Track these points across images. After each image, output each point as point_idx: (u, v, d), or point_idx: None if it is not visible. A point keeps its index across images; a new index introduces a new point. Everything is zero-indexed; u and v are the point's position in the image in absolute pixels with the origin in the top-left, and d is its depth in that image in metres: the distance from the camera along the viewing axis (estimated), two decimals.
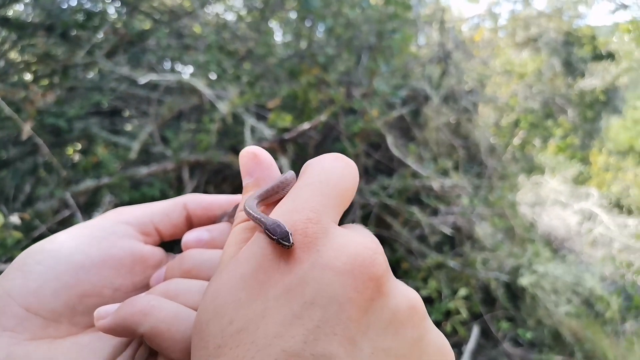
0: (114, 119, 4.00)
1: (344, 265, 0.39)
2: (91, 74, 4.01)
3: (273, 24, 4.49)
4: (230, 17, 4.63)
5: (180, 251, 0.60)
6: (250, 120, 3.37)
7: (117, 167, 3.41)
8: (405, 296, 0.41)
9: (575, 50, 8.05)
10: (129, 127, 4.01)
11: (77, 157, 3.74)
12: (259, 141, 3.42)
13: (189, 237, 0.58)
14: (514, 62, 6.29)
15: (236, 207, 0.60)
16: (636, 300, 4.62)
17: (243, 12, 4.58)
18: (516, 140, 5.72)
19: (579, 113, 8.56)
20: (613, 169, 7.48)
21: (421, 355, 0.40)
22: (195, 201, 0.62)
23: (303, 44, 4.08)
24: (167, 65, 4.11)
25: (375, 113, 3.76)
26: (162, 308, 0.47)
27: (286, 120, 3.23)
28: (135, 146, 3.57)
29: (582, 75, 8.34)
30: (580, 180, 7.02)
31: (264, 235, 0.43)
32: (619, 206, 6.69)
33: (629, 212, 6.60)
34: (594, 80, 8.25)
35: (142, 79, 3.18)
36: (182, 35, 4.21)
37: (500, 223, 4.30)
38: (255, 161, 0.52)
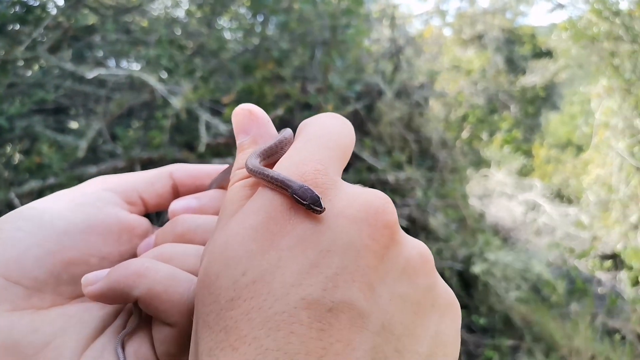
0: (59, 117, 3.82)
1: (357, 213, 0.39)
2: (32, 70, 3.81)
3: (224, 20, 4.43)
4: (179, 13, 4.53)
5: (164, 223, 0.57)
6: (204, 116, 3.31)
7: (64, 167, 3.26)
8: (415, 246, 0.41)
9: (517, 48, 8.40)
10: (75, 125, 3.84)
11: (18, 157, 3.55)
12: (215, 137, 3.37)
13: (176, 205, 0.56)
14: (461, 59, 6.48)
15: (224, 172, 0.58)
16: (578, 284, 4.87)
17: (193, 8, 4.49)
18: (465, 134, 5.91)
19: (520, 108, 8.94)
20: (554, 161, 7.85)
21: (433, 303, 0.40)
22: (181, 170, 0.60)
23: (255, 40, 4.05)
24: (114, 61, 3.96)
25: (330, 108, 3.78)
26: (158, 269, 0.45)
27: None
28: (83, 144, 3.43)
29: (523, 72, 8.71)
30: (524, 172, 7.33)
31: (270, 190, 0.42)
32: (560, 196, 7.04)
33: (569, 201, 6.96)
34: (534, 77, 8.64)
35: (90, 74, 3.06)
36: (129, 31, 4.08)
37: (452, 214, 4.44)
38: (251, 118, 0.51)
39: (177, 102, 3.20)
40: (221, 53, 3.92)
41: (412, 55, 4.41)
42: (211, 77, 3.52)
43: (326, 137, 0.45)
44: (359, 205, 0.40)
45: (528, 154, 7.98)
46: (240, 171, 0.48)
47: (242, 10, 4.44)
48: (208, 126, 3.27)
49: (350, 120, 0.52)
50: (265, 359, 0.32)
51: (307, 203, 0.38)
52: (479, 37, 7.17)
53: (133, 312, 0.49)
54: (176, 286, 0.45)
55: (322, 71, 3.83)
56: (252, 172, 0.45)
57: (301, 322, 0.33)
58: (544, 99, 9.19)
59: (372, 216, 0.39)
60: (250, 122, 0.50)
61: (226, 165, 0.59)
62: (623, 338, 4.34)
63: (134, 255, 0.54)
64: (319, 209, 0.38)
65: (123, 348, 0.46)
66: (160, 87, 3.20)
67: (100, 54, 3.81)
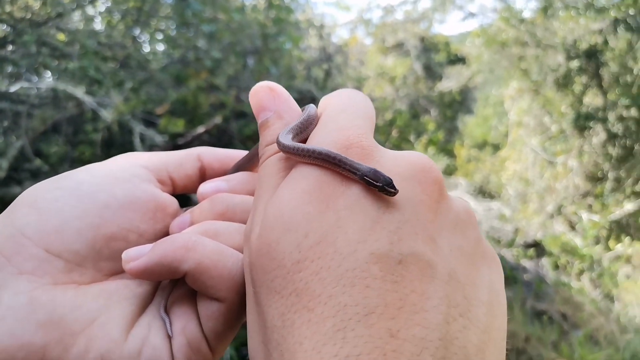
0: None
1: (407, 172, 0.40)
2: None
3: (149, 31, 4.32)
4: (98, 25, 4.36)
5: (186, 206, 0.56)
6: (138, 128, 3.20)
7: None
8: (459, 201, 0.43)
9: (434, 56, 8.84)
10: None
11: None
12: (150, 148, 3.25)
13: (206, 187, 0.55)
14: (384, 66, 6.72)
15: (247, 156, 0.58)
16: (508, 272, 5.18)
17: (114, 20, 4.34)
18: (394, 136, 6.11)
19: (440, 112, 9.40)
20: (474, 160, 8.32)
21: (483, 255, 0.41)
22: (209, 153, 0.58)
23: (182, 50, 3.98)
24: (35, 76, 3.73)
25: None
26: (205, 244, 0.44)
27: (179, 125, 3.12)
28: (4, 164, 3.20)
29: (440, 78, 9.17)
30: (448, 171, 7.70)
31: (310, 166, 0.41)
32: (482, 192, 7.46)
33: (491, 196, 7.39)
34: (450, 82, 9.11)
35: (12, 88, 2.86)
36: (47, 43, 3.86)
37: None
38: (273, 94, 0.50)
39: (107, 115, 3.07)
40: (149, 64, 3.81)
41: (342, 62, 4.52)
42: (142, 88, 3.41)
43: (355, 107, 0.47)
44: (407, 164, 0.41)
45: (451, 154, 8.39)
46: (271, 147, 0.47)
47: (168, 22, 4.36)
48: (142, 138, 3.16)
49: None
50: (346, 315, 0.32)
51: (380, 185, 0.38)
52: (400, 45, 7.47)
53: (172, 290, 0.48)
54: (225, 261, 0.44)
55: (255, 79, 3.83)
56: (291, 151, 0.43)
57: (374, 276, 0.34)
58: (460, 102, 9.72)
59: (420, 173, 0.40)
60: (273, 97, 0.50)
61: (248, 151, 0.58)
62: (550, 318, 4.66)
63: (168, 234, 0.52)
64: (392, 190, 0.38)
65: (167, 314, 0.46)
66: (88, 100, 3.06)
67: (17, 68, 3.57)
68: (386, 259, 0.35)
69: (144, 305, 0.46)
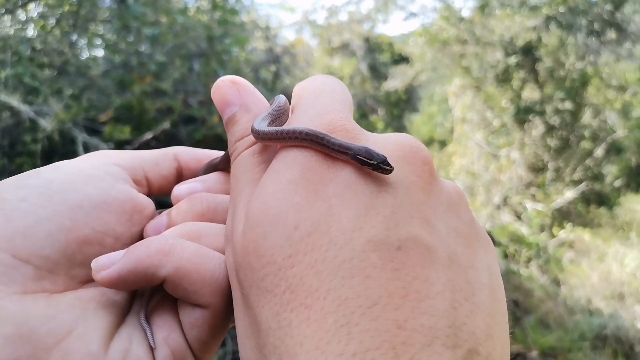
0: None
1: (395, 153, 0.38)
2: None
3: (88, 36, 4.14)
4: (30, 32, 4.14)
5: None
6: (81, 136, 3.05)
7: None
8: (449, 182, 0.41)
9: (378, 56, 8.98)
10: None
11: None
12: None
13: (180, 188, 0.51)
14: (331, 67, 6.77)
15: (221, 157, 0.54)
16: None
17: (48, 25, 4.13)
18: None
19: (387, 112, 9.56)
20: None
21: (478, 237, 0.39)
22: (187, 152, 0.54)
23: (121, 56, 3.84)
24: None
25: (215, 119, 3.71)
26: (185, 247, 0.41)
27: (124, 131, 2.99)
28: None
29: (385, 78, 9.34)
30: None
31: (302, 150, 0.38)
32: None
33: None
34: (395, 82, 9.29)
35: None
36: None
37: None
38: (237, 87, 0.47)
39: (47, 124, 2.91)
40: (89, 70, 3.66)
41: (290, 63, 4.50)
42: (83, 95, 3.26)
43: (332, 92, 0.45)
44: (394, 145, 0.39)
45: None
46: (242, 142, 0.45)
47: (107, 26, 4.20)
48: (86, 147, 3.01)
49: None
50: (348, 308, 0.30)
51: (375, 163, 0.36)
52: (345, 45, 7.55)
53: (144, 293, 0.44)
54: (207, 263, 0.41)
55: (202, 83, 3.75)
56: (273, 136, 0.40)
57: (374, 265, 0.32)
58: (406, 101, 9.93)
59: (409, 154, 0.39)
60: (237, 92, 0.47)
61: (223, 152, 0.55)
62: None
63: (143, 237, 0.47)
64: (388, 167, 0.36)
65: (148, 324, 0.42)
66: (25, 109, 2.89)
67: None
68: (384, 246, 0.33)
69: (123, 315, 0.42)
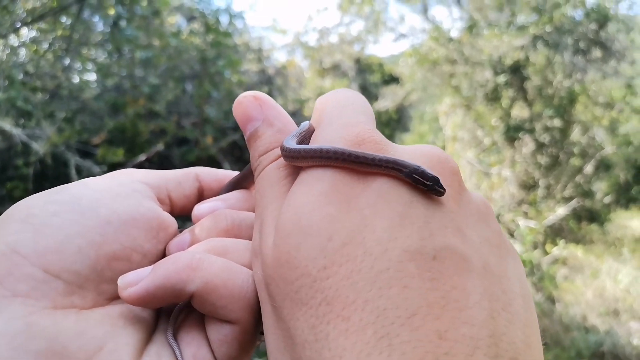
0: None
1: (425, 164, 0.38)
2: None
3: (81, 59, 4.15)
4: (23, 56, 4.15)
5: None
6: (74, 159, 3.03)
7: None
8: (476, 193, 0.42)
9: (369, 76, 9.07)
10: None
11: None
12: None
13: (201, 207, 0.51)
14: (323, 87, 6.82)
15: (242, 175, 0.54)
16: None
17: (43, 48, 4.14)
18: None
19: (378, 131, 9.62)
20: None
21: (506, 247, 0.39)
22: (208, 173, 0.54)
23: (113, 79, 3.85)
24: None
25: (209, 140, 3.71)
26: (212, 262, 0.41)
27: (118, 154, 2.98)
28: None
29: (377, 98, 9.42)
30: None
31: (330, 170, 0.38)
32: None
33: None
34: (386, 102, 9.37)
35: None
36: None
37: None
38: (259, 102, 0.47)
39: (39, 147, 2.89)
40: (82, 93, 3.66)
41: (282, 84, 4.53)
42: (76, 118, 3.25)
43: (355, 105, 0.45)
44: (423, 157, 0.39)
45: None
46: (266, 156, 0.45)
47: (99, 50, 4.21)
48: (79, 170, 2.99)
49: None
50: (387, 319, 0.30)
51: (430, 184, 0.36)
52: (336, 66, 7.62)
53: (171, 310, 0.43)
54: (235, 278, 0.40)
55: (196, 104, 3.77)
56: (313, 155, 0.39)
57: (411, 275, 0.32)
58: (397, 121, 10.01)
59: (438, 165, 0.39)
60: (259, 106, 0.47)
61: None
62: None
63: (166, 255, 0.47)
64: (442, 190, 0.36)
65: (176, 341, 0.41)
66: (17, 132, 2.87)
67: None
68: (420, 256, 0.33)
69: (151, 332, 0.42)
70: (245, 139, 0.48)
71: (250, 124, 0.47)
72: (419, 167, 0.37)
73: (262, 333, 0.39)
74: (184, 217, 0.54)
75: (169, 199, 0.51)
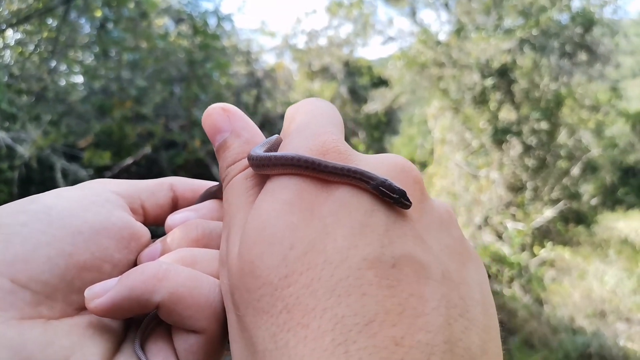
0: None
1: (388, 173, 0.39)
2: None
3: (68, 62, 4.11)
4: (8, 58, 4.10)
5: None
6: (59, 163, 3.00)
7: None
8: (439, 201, 0.42)
9: (358, 79, 9.10)
10: None
11: None
12: (74, 183, 3.04)
13: (174, 217, 0.50)
14: (312, 90, 6.82)
15: (217, 186, 0.54)
16: None
17: (27, 51, 4.09)
18: None
19: (367, 134, 9.65)
20: None
21: (468, 253, 0.41)
22: (183, 183, 0.54)
23: (100, 81, 3.81)
24: None
25: (197, 144, 3.69)
26: (179, 272, 0.41)
27: (104, 157, 2.95)
28: None
29: (366, 101, 9.45)
30: None
31: (294, 178, 0.38)
32: None
33: None
34: (375, 104, 9.40)
35: None
36: None
37: None
38: (227, 114, 0.47)
39: (24, 150, 2.85)
40: (68, 96, 3.62)
41: (271, 87, 4.52)
42: (62, 121, 3.21)
43: (324, 114, 0.46)
44: (386, 166, 0.40)
45: None
46: (233, 167, 0.45)
47: (86, 52, 4.17)
48: (65, 173, 2.96)
49: None
50: (345, 327, 0.30)
51: (397, 197, 0.37)
52: (325, 69, 7.63)
53: (139, 321, 0.43)
54: (201, 287, 0.40)
55: (184, 107, 3.74)
56: (283, 162, 0.39)
57: (370, 282, 0.32)
58: (386, 123, 10.04)
59: (401, 174, 0.40)
60: (227, 117, 0.48)
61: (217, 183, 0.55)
62: None
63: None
64: (407, 203, 0.37)
65: (143, 352, 0.41)
66: (2, 135, 2.83)
67: None
68: (379, 264, 0.33)
69: (119, 342, 0.42)
70: (214, 150, 0.49)
71: (218, 135, 0.48)
72: (386, 180, 0.37)
73: (229, 342, 0.40)
74: (160, 227, 0.53)
75: (142, 208, 0.51)
